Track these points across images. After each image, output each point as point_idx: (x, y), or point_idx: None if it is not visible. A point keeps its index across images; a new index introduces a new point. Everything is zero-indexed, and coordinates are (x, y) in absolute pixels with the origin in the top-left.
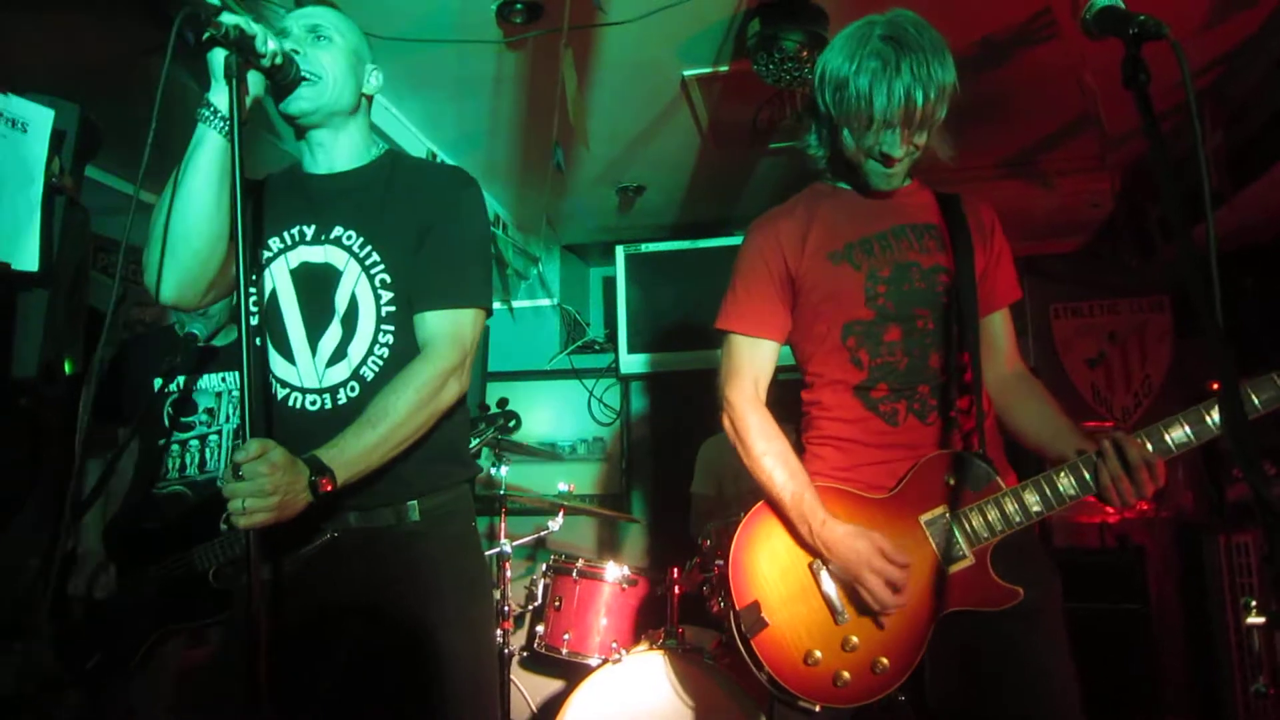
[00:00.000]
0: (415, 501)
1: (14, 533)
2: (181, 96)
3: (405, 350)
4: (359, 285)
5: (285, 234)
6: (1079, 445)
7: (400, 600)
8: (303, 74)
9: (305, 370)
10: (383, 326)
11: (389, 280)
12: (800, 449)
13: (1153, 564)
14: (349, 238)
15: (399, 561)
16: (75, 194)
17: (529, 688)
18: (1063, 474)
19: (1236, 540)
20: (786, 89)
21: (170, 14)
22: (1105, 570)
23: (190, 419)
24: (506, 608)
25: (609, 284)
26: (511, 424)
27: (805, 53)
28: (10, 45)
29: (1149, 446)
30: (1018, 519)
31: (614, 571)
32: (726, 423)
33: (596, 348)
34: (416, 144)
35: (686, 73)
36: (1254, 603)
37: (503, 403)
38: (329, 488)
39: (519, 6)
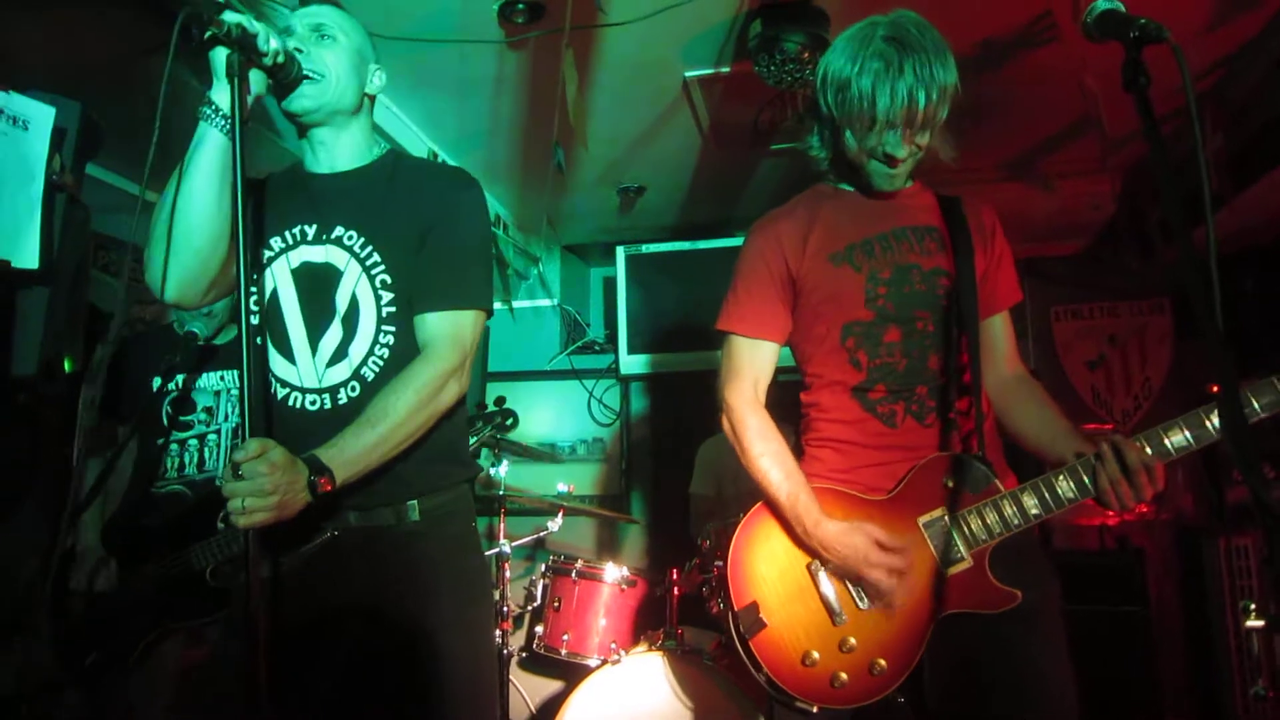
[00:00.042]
0: (415, 501)
1: (13, 531)
2: (183, 95)
3: (406, 351)
4: (359, 286)
5: (287, 233)
6: (1078, 448)
7: (400, 601)
8: (305, 72)
9: (305, 370)
10: (383, 327)
11: (389, 281)
12: (800, 451)
13: (1152, 566)
14: (350, 238)
15: (399, 561)
16: (76, 192)
17: (528, 688)
18: (1061, 477)
19: (1236, 543)
20: (788, 90)
21: (172, 12)
22: (1105, 572)
23: (189, 418)
24: (505, 608)
25: (609, 284)
26: (509, 421)
27: (807, 54)
28: (12, 43)
29: (1148, 450)
30: (1016, 522)
31: (613, 572)
32: (725, 423)
33: (596, 348)
34: (417, 143)
35: (688, 74)
36: (1253, 606)
37: (500, 400)
38: (328, 488)
39: (521, 6)
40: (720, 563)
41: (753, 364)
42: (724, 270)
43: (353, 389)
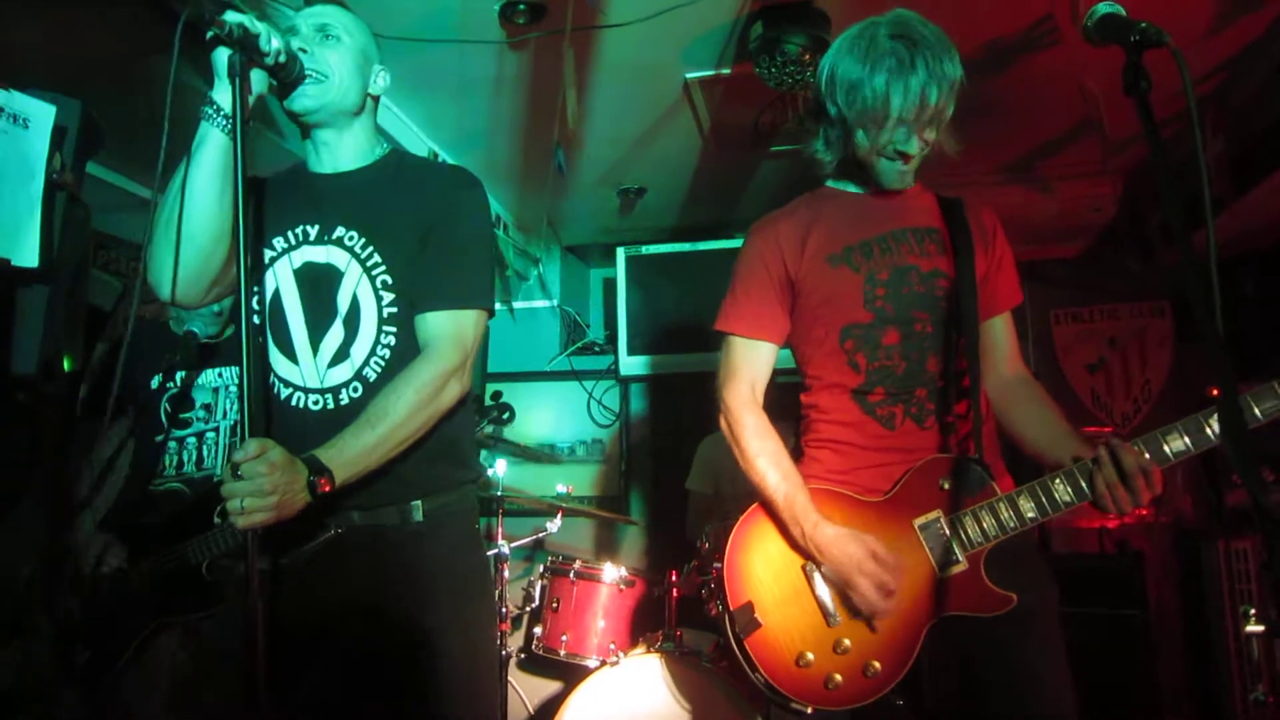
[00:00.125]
0: (419, 502)
1: (12, 530)
2: (185, 94)
3: (408, 351)
4: (360, 286)
5: (289, 233)
6: (1078, 451)
7: (400, 601)
8: (307, 72)
9: (307, 370)
10: (384, 328)
11: (390, 281)
12: (799, 452)
13: (1152, 569)
14: (351, 238)
15: (400, 562)
16: (76, 190)
17: (526, 689)
18: (1058, 481)
19: (1235, 546)
20: (788, 92)
21: (173, 10)
22: (1104, 575)
23: (188, 415)
24: (504, 609)
25: (609, 285)
26: (505, 416)
27: (807, 56)
28: (12, 41)
29: (1146, 455)
30: (1012, 525)
31: (611, 573)
32: (723, 424)
33: (596, 349)
34: (418, 143)
35: (688, 75)
36: (1253, 611)
37: (496, 395)
38: (327, 488)
39: (521, 7)
40: (719, 564)
41: (750, 365)
42: (724, 272)
43: (355, 389)
